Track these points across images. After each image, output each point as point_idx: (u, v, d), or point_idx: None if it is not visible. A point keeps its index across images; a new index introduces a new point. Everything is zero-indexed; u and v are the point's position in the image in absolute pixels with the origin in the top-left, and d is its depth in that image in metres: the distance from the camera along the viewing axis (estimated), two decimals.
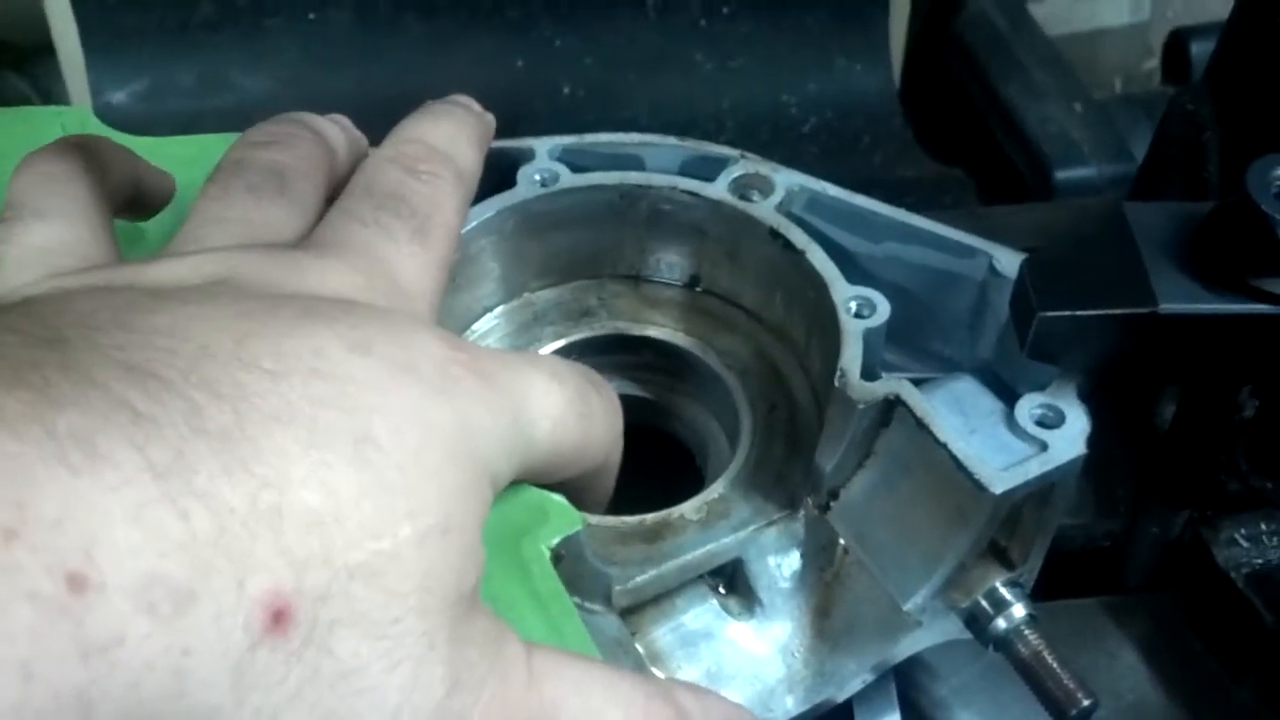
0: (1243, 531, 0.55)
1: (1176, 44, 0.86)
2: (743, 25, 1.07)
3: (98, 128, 0.56)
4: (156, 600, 0.26)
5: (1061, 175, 0.90)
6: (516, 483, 0.46)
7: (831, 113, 1.06)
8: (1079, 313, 0.43)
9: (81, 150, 0.43)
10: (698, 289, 0.56)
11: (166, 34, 1.02)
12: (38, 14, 0.98)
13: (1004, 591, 0.47)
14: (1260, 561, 0.54)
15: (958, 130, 1.03)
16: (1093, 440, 0.45)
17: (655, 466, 0.56)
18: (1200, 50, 0.84)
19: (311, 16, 1.03)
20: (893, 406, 0.45)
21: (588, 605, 0.45)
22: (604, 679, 0.36)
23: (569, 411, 0.40)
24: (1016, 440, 0.44)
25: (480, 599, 0.35)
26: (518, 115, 1.01)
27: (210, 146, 0.54)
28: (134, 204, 0.46)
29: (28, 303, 0.33)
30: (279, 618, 0.28)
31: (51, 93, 1.03)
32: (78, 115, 0.56)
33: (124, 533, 0.26)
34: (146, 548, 0.26)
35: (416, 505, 0.31)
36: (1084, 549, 0.58)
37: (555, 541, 0.42)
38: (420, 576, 0.31)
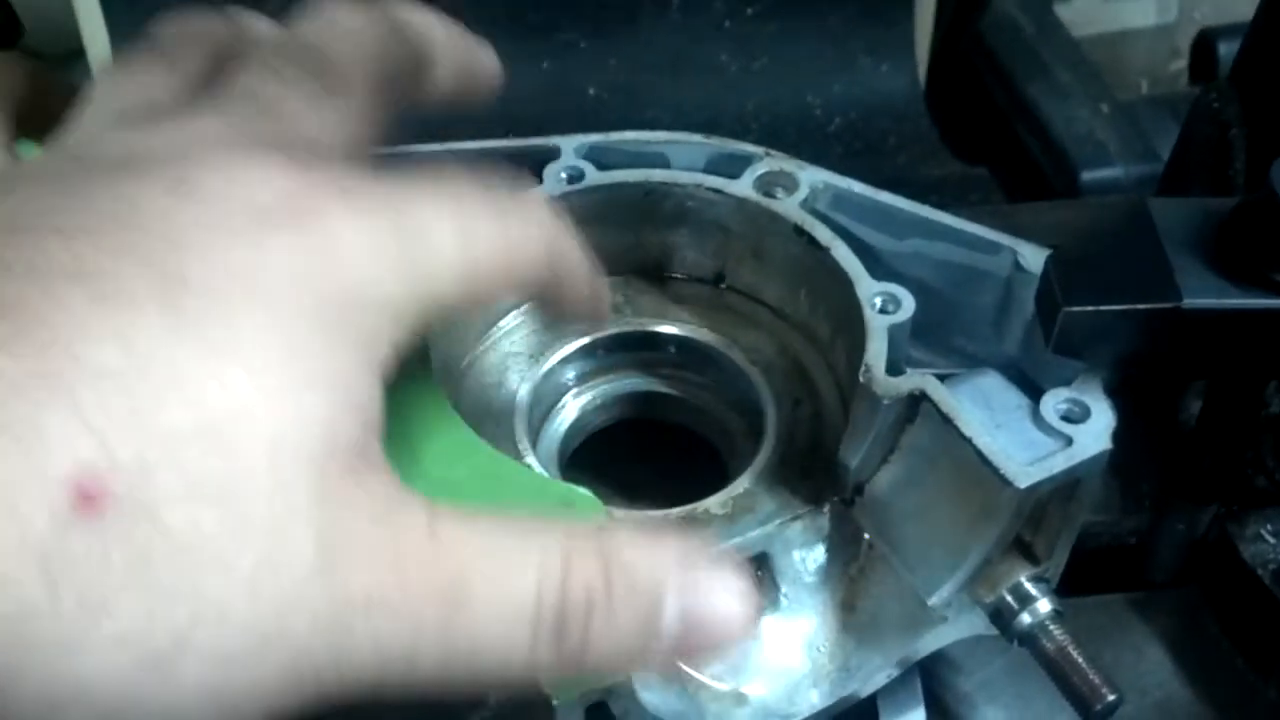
0: (1269, 527, 0.54)
1: (1204, 45, 0.86)
2: (767, 26, 1.07)
3: None
4: None
5: (1088, 176, 0.90)
6: (542, 476, 0.47)
7: (856, 113, 1.06)
8: (1103, 308, 0.44)
9: None
10: (722, 286, 0.56)
11: None
12: (68, 22, 0.99)
13: (1029, 587, 0.47)
14: None
15: (983, 131, 1.03)
16: (1118, 435, 0.45)
17: (680, 462, 0.57)
18: (1228, 51, 0.84)
19: None
20: (918, 401, 0.45)
21: None
22: (519, 537, 0.32)
23: (476, 222, 0.35)
24: (1042, 435, 0.44)
25: (380, 458, 0.31)
26: (543, 117, 1.01)
27: None
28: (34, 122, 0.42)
29: None
30: (89, 496, 0.25)
31: None
32: None
33: None
34: None
35: (254, 353, 0.28)
36: (1109, 545, 0.58)
37: None
38: (270, 433, 0.28)
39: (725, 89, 1.07)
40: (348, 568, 0.29)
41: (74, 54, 1.01)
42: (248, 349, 0.28)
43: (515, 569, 0.31)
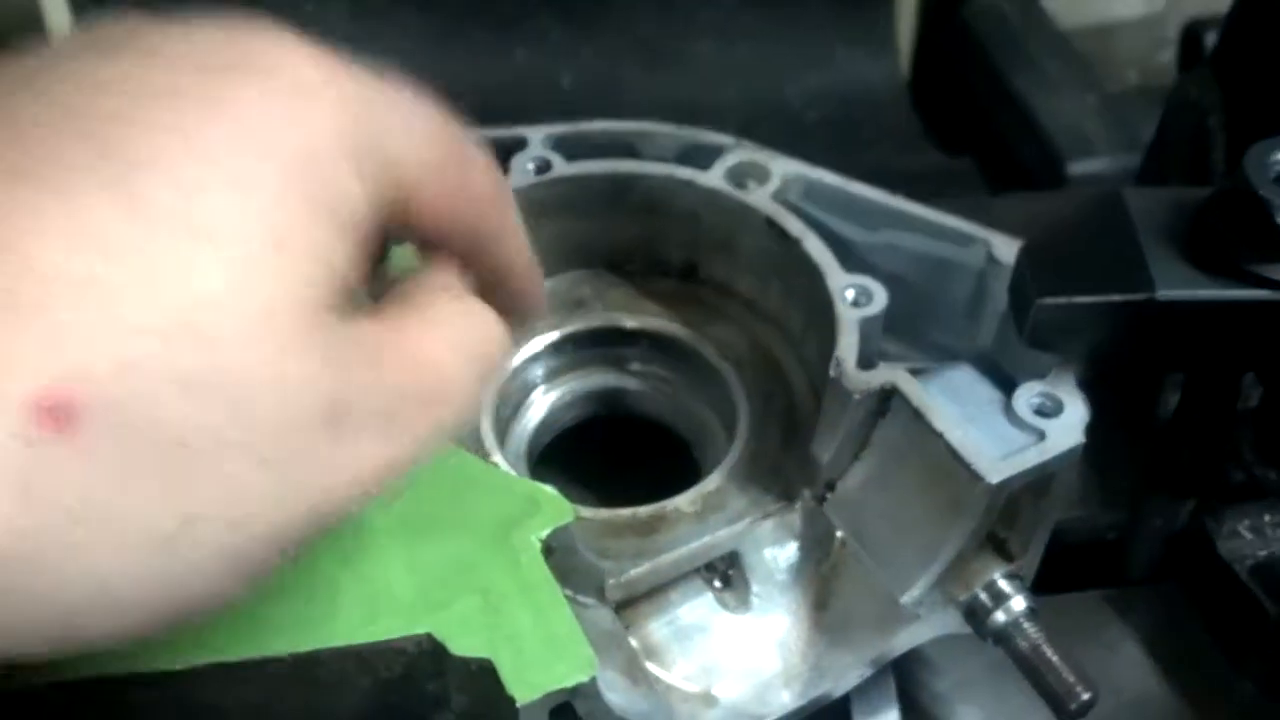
0: (1246, 523, 0.54)
1: (1192, 36, 0.85)
2: (745, 16, 1.06)
3: None
4: None
5: (1074, 168, 0.89)
6: (507, 475, 0.46)
7: (836, 104, 1.05)
8: (1076, 300, 0.43)
9: None
10: (693, 279, 0.55)
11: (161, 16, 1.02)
12: (32, 9, 0.98)
13: (1003, 584, 0.46)
14: (1264, 553, 0.53)
15: (968, 122, 1.02)
16: (1091, 429, 0.44)
17: (652, 459, 0.56)
18: (1216, 41, 0.83)
19: (309, 8, 1.02)
20: (889, 396, 0.45)
21: (580, 598, 0.44)
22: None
23: (444, 136, 0.34)
24: (1014, 429, 0.44)
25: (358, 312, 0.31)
26: (516, 108, 1.00)
27: None
28: None
29: None
30: (57, 412, 0.25)
31: None
32: None
33: None
34: None
35: (222, 231, 0.27)
36: (1087, 541, 0.57)
37: (545, 533, 0.42)
38: (251, 312, 0.27)
39: (702, 80, 1.05)
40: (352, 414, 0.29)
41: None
42: (214, 227, 0.27)
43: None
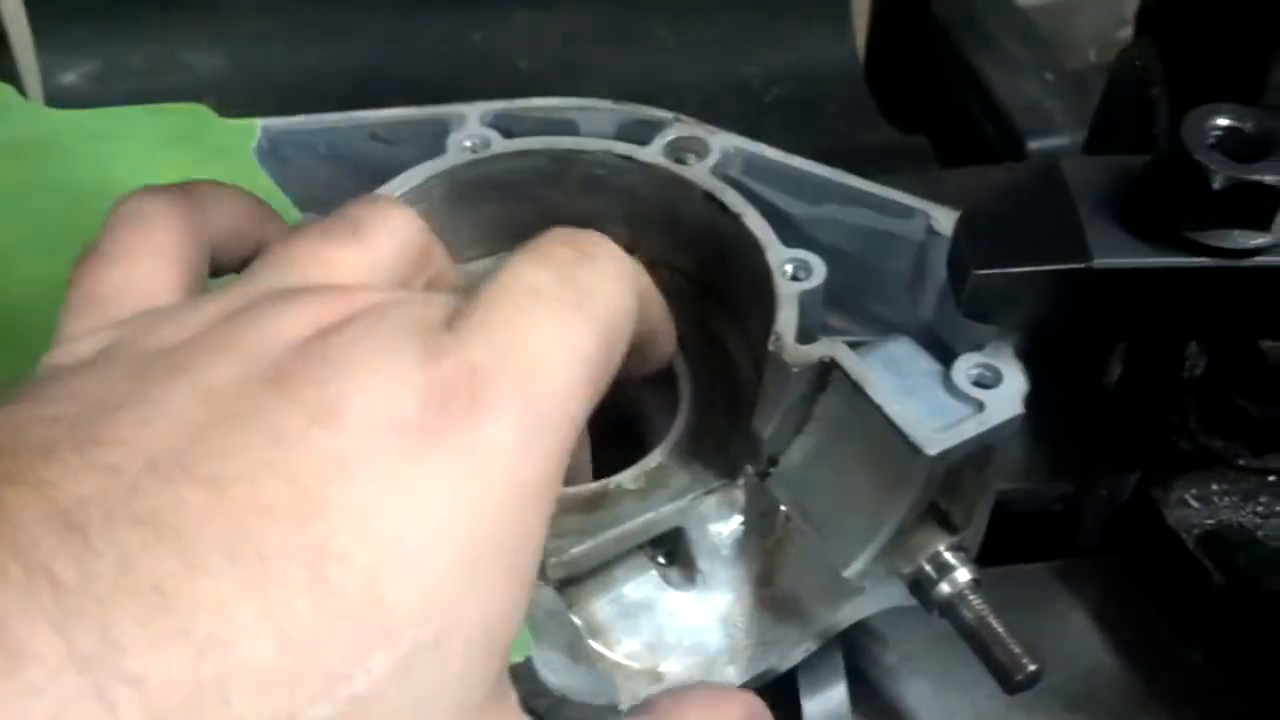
0: (1193, 492, 0.54)
1: (1147, 10, 0.85)
2: None
3: (20, 102, 0.55)
4: None
5: (1034, 145, 0.89)
6: None
7: (794, 83, 1.05)
8: (1012, 270, 0.43)
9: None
10: (635, 255, 0.55)
11: (117, 14, 1.01)
12: None
13: (947, 556, 0.46)
14: (1211, 522, 0.53)
15: (926, 99, 1.02)
16: (1036, 400, 0.44)
17: (596, 436, 0.56)
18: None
19: None
20: (829, 370, 0.44)
21: None
22: None
23: (637, 293, 0.36)
24: (953, 401, 0.44)
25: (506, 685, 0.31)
26: (472, 91, 0.99)
27: (130, 120, 0.53)
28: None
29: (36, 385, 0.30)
30: None
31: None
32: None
33: None
34: None
35: (406, 629, 0.27)
36: (1034, 513, 0.57)
37: None
38: (412, 703, 0.27)
39: (661, 61, 1.06)
40: None
41: None
42: (401, 624, 0.27)
43: None
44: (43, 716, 0.23)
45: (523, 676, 0.39)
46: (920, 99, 1.02)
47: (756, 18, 1.06)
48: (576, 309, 0.32)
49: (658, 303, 0.42)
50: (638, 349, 0.37)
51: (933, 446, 0.42)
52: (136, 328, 0.32)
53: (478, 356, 0.30)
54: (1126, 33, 1.19)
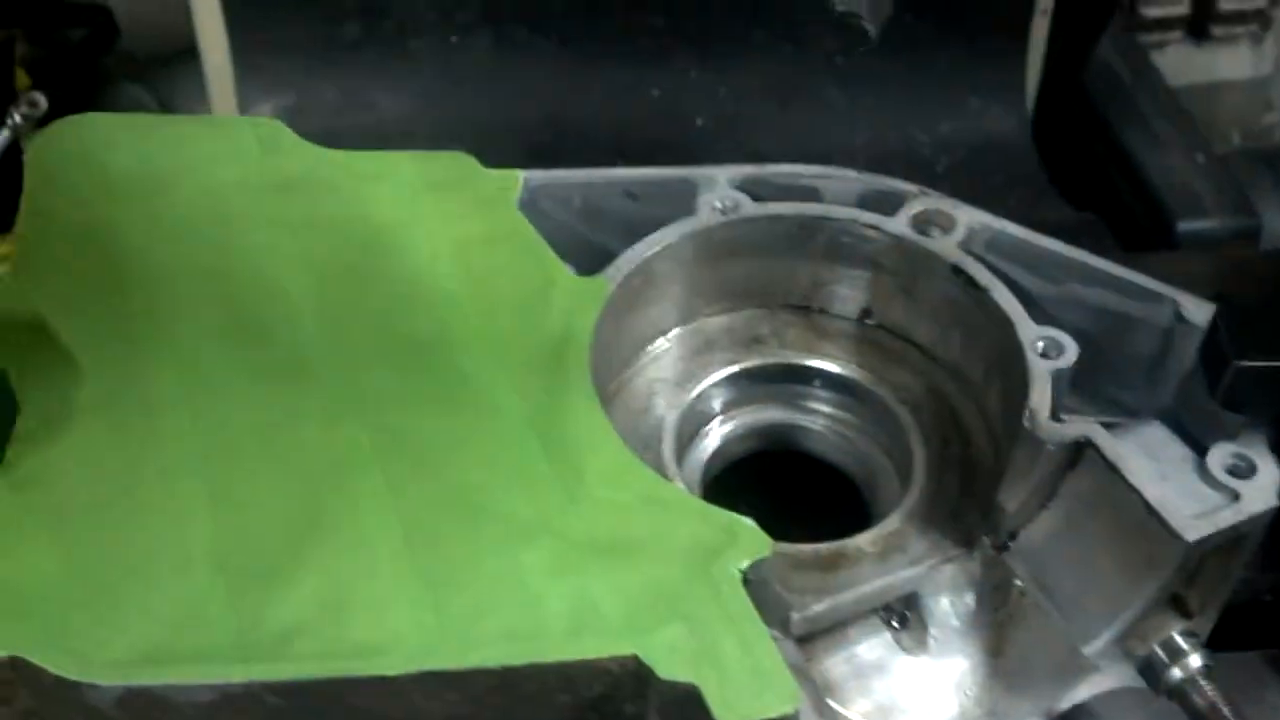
0: None
1: None
2: (878, 62, 1.06)
3: (291, 139, 0.57)
4: None
5: (1184, 226, 0.89)
6: (704, 503, 0.47)
7: (965, 153, 1.06)
8: (1278, 363, 0.43)
9: None
10: (868, 322, 0.56)
11: (313, 51, 1.04)
12: (170, 24, 1.00)
13: (1180, 640, 0.46)
14: None
15: (1087, 177, 1.02)
16: None
17: (811, 496, 0.57)
18: None
19: (454, 40, 1.05)
20: (1082, 449, 0.45)
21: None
22: None
23: None
24: (1208, 489, 0.44)
25: None
26: (652, 144, 1.01)
27: (395, 164, 0.55)
28: None
29: None
30: None
31: (171, 103, 1.05)
32: (271, 127, 0.58)
33: None
34: None
35: None
36: (1246, 602, 0.57)
37: (745, 564, 0.42)
38: None
39: (833, 123, 1.06)
40: None
41: (179, 54, 1.02)
42: None
43: None
44: None
45: None
46: (1083, 176, 1.02)
47: (930, 85, 1.07)
48: None
49: None
50: None
51: (1192, 533, 0.42)
52: None
53: None
54: (1272, 118, 1.19)
